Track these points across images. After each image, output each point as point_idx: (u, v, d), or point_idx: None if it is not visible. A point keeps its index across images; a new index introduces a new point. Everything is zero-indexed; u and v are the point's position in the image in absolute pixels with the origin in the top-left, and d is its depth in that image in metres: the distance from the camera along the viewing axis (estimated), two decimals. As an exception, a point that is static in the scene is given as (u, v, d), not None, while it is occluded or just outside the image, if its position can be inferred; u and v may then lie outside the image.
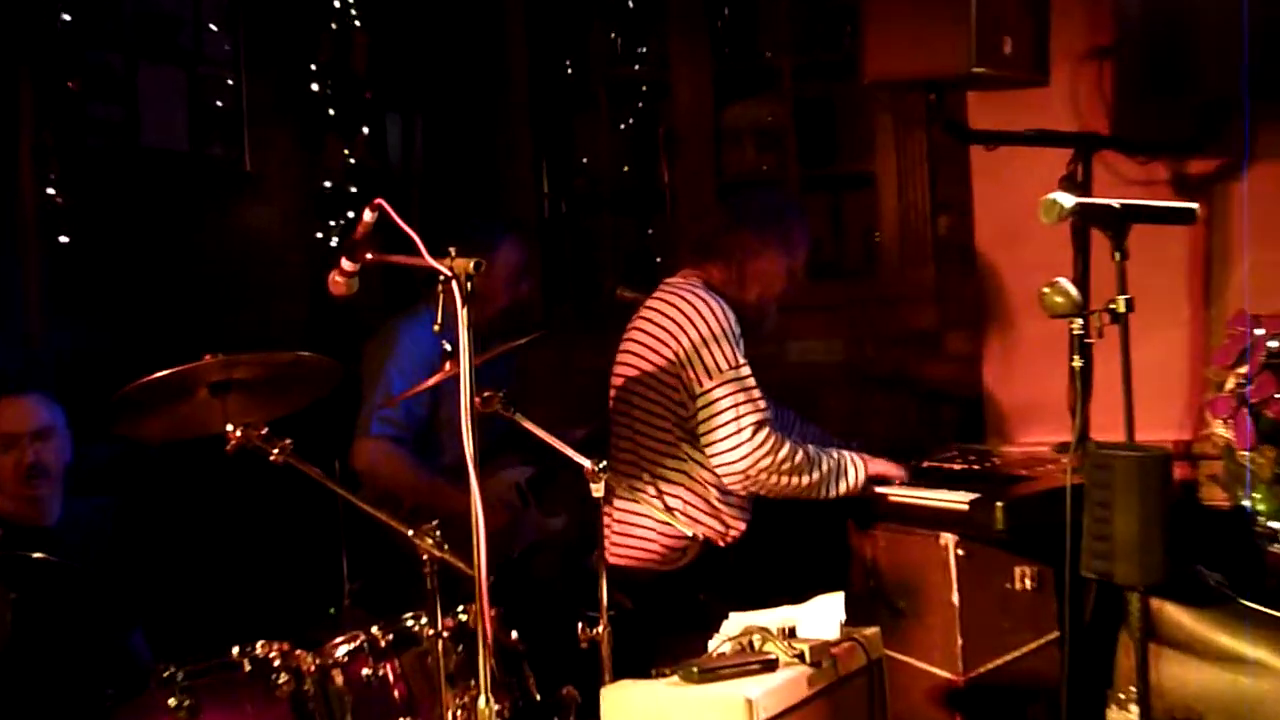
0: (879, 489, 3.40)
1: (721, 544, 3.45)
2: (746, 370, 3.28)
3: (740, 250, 3.45)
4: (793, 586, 2.90)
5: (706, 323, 3.30)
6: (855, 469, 3.37)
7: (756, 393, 3.28)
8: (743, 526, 3.45)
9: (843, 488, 3.34)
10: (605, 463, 2.85)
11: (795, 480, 3.27)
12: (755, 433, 3.23)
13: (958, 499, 3.20)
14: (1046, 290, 2.52)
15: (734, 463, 3.24)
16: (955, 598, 3.21)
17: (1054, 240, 3.43)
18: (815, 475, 3.29)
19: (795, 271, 3.54)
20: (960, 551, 3.22)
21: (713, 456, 3.28)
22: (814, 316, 4.72)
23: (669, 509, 3.35)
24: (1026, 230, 3.94)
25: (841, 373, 4.76)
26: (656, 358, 3.38)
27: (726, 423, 3.25)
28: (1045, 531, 2.69)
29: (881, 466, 3.41)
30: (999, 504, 3.09)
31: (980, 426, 4.42)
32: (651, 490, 3.39)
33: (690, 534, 3.31)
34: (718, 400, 3.26)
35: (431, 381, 3.11)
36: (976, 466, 3.54)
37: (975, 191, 4.47)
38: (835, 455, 3.36)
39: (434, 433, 3.75)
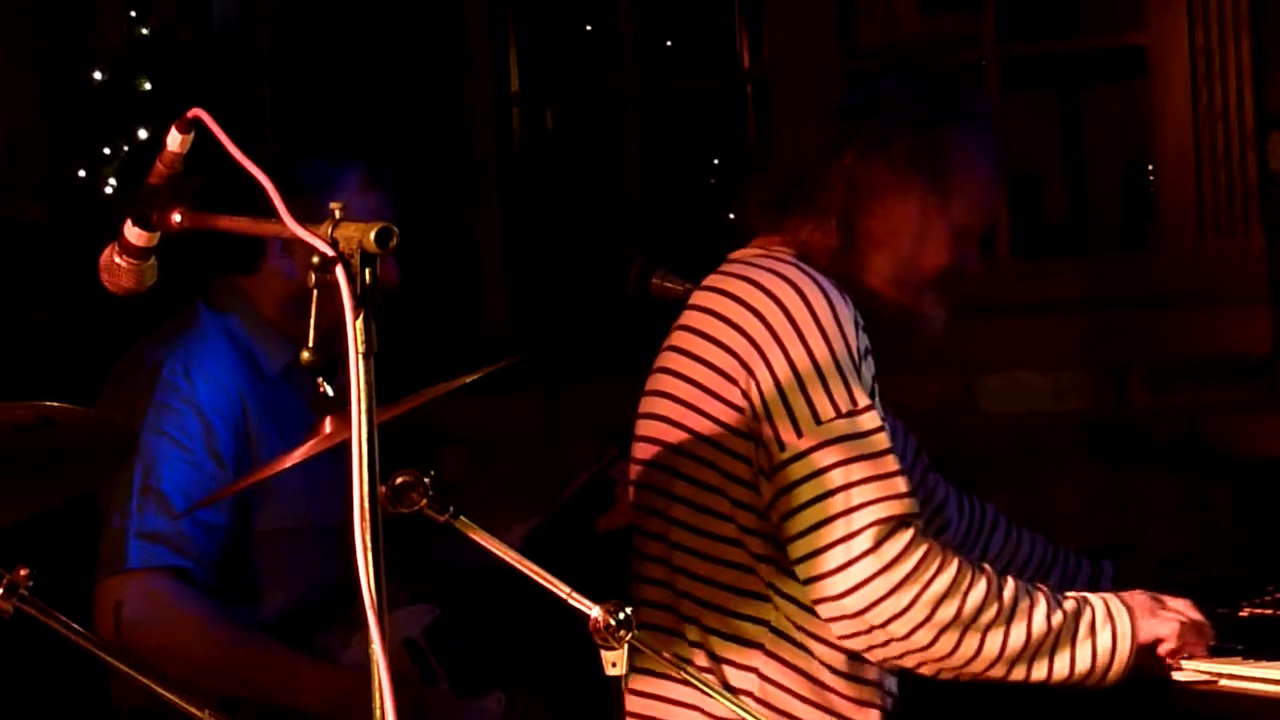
0: (1179, 673, 3.38)
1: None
2: (871, 419, 3.26)
3: (853, 189, 3.47)
4: None
5: (803, 336, 3.30)
6: (1115, 626, 3.35)
7: (891, 462, 3.27)
8: (878, 720, 3.47)
9: (1080, 664, 3.30)
10: (629, 610, 2.85)
11: (972, 644, 3.25)
12: (885, 539, 3.22)
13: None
14: None
15: (840, 597, 3.24)
16: None
17: None
18: (1018, 636, 3.27)
19: (970, 231, 3.54)
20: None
21: (806, 586, 3.29)
22: (1024, 328, 4.75)
23: (732, 689, 3.36)
24: None
25: (1081, 437, 4.79)
26: (714, 404, 3.38)
27: (826, 521, 3.25)
28: None
29: (1166, 622, 3.40)
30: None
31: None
32: (701, 656, 3.41)
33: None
34: (810, 478, 3.27)
35: (245, 483, 3.13)
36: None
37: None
38: (1072, 600, 3.35)
39: (248, 558, 3.81)
